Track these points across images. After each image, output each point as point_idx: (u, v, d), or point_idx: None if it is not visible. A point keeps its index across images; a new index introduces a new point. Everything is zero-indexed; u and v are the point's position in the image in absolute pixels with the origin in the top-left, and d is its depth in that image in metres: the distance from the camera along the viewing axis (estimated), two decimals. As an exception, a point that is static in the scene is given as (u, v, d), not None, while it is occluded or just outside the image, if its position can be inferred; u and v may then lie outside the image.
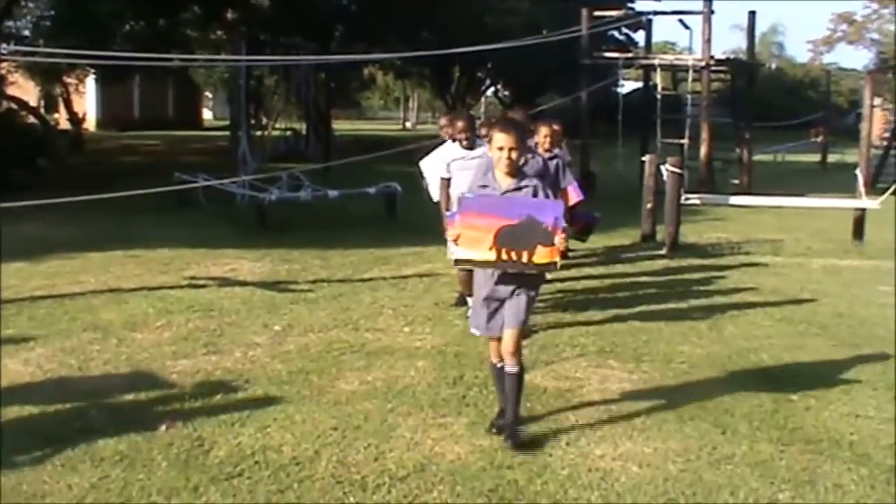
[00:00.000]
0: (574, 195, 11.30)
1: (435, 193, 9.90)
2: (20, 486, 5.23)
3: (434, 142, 11.25)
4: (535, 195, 6.00)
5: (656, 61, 26.12)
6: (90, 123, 46.45)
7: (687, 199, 14.94)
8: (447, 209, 9.38)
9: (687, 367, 7.89)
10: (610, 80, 27.89)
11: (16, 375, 7.31)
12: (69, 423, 6.17)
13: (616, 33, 42.10)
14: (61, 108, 39.32)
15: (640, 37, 40.47)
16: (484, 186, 6.12)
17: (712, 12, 23.93)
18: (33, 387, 7.09)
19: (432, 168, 9.88)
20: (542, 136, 9.82)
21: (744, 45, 32.29)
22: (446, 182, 9.52)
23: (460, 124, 9.49)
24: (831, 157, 37.77)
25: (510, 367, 6.07)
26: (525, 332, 6.61)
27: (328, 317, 9.51)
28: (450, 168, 9.47)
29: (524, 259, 5.88)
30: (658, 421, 6.54)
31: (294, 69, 23.83)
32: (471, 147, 9.42)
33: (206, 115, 66.21)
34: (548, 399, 6.94)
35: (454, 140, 9.72)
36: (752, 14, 27.24)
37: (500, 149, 5.92)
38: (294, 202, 17.02)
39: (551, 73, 39.41)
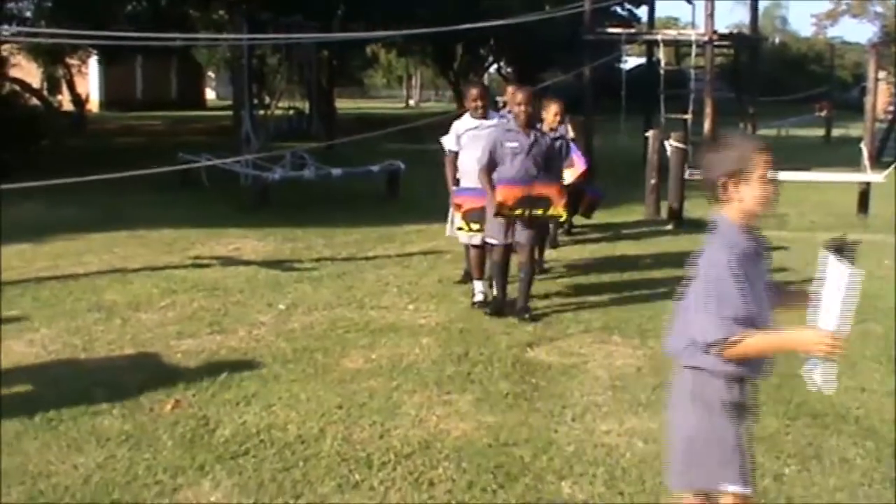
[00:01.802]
0: (580, 163, 11.34)
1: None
2: (26, 467, 5.24)
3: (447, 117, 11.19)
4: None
5: (659, 37, 26.03)
6: (93, 104, 46.32)
7: (691, 174, 14.90)
8: (454, 184, 9.36)
9: (692, 343, 7.87)
10: (613, 55, 27.74)
11: (21, 356, 7.32)
12: (74, 404, 6.17)
13: (619, 9, 42.05)
14: (64, 89, 39.23)
15: (642, 12, 40.31)
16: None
17: (715, -13, 23.82)
18: (38, 367, 7.11)
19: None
20: (551, 114, 10.01)
21: (747, 19, 32.21)
22: (454, 156, 9.36)
23: (473, 91, 9.37)
24: (835, 132, 37.61)
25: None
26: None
27: (332, 295, 9.51)
28: (460, 140, 9.28)
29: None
30: (663, 396, 6.53)
31: (296, 48, 23.72)
32: (484, 116, 9.28)
33: (209, 94, 66.03)
34: (553, 375, 6.95)
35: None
36: (756, -12, 27.16)
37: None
38: (298, 181, 17.02)
39: (554, 50, 39.25)
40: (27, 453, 5.42)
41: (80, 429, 5.79)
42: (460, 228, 9.17)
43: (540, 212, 8.53)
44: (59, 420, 5.90)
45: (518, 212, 8.44)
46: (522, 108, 8.58)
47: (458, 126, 9.38)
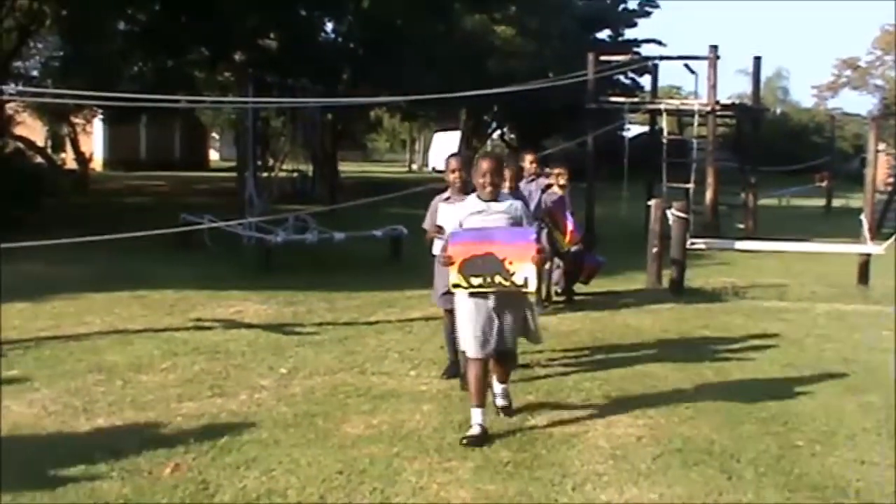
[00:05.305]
0: (569, 225, 11.62)
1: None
2: (24, 529, 5.22)
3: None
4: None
5: (662, 106, 26.21)
6: (97, 163, 46.62)
7: (693, 243, 14.96)
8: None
9: (692, 413, 7.87)
10: (616, 124, 27.98)
11: (20, 417, 7.31)
12: (73, 466, 6.15)
13: (622, 77, 42.43)
14: (68, 147, 39.50)
15: (646, 81, 40.64)
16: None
17: (718, 58, 24.06)
18: (37, 429, 7.09)
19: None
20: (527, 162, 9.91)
21: (749, 89, 32.41)
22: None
23: (483, 166, 7.15)
24: (836, 202, 37.80)
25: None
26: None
27: (334, 360, 9.50)
28: (462, 226, 7.18)
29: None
30: (663, 466, 6.52)
31: (301, 111, 23.95)
32: (494, 198, 7.23)
33: (213, 155, 66.41)
34: (553, 444, 6.93)
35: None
36: (758, 60, 27.42)
37: None
38: (300, 244, 17.05)
39: (557, 117, 39.59)
40: (26, 515, 5.40)
41: (78, 491, 5.76)
42: (457, 285, 7.03)
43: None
44: (57, 482, 5.88)
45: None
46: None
47: (460, 212, 7.35)
